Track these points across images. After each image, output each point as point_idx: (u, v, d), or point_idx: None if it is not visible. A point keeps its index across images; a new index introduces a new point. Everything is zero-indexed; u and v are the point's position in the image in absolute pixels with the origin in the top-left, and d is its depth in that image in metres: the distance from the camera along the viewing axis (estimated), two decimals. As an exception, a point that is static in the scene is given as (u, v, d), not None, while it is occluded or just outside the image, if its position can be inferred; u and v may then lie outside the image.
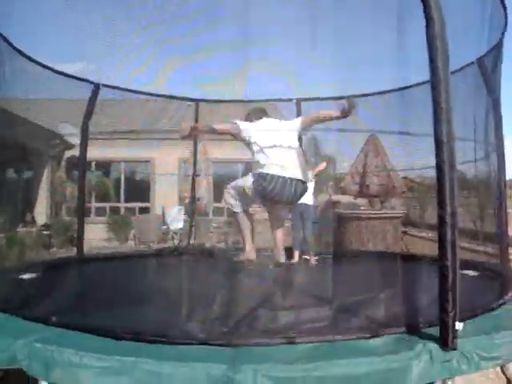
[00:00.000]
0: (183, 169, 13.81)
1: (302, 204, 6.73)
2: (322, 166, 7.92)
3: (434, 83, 2.94)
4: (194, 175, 9.05)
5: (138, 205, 15.81)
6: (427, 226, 11.96)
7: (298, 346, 2.94)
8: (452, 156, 2.92)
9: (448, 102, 2.91)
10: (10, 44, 5.16)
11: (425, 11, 2.92)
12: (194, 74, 6.15)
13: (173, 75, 6.49)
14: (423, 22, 2.99)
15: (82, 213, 7.09)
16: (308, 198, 7.07)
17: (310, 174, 6.80)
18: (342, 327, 3.27)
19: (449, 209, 2.88)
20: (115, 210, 15.46)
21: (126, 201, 15.86)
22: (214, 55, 5.53)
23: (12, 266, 5.78)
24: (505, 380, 4.39)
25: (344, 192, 12.22)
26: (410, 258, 4.95)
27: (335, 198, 13.23)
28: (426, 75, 3.13)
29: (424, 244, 10.22)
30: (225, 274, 3.55)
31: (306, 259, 7.20)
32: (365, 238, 9.98)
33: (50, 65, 6.44)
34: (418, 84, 5.66)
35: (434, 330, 2.99)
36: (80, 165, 7.06)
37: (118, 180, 16.10)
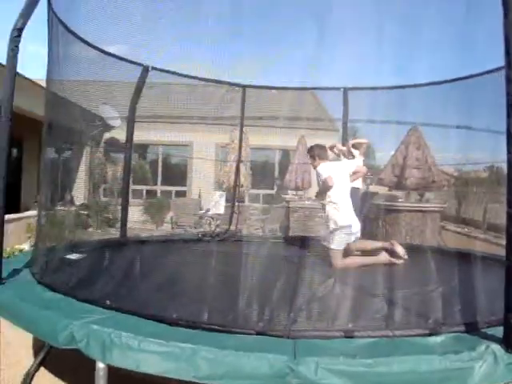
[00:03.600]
0: (221, 154, 13.76)
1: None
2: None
3: (510, 75, 2.81)
4: (239, 161, 8.97)
5: (174, 188, 15.92)
6: (463, 221, 11.71)
7: (356, 340, 2.90)
8: (523, 152, 2.80)
9: (523, 96, 2.79)
10: (65, 26, 5.10)
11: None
12: (241, 59, 6.10)
13: (220, 60, 6.40)
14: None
15: (126, 195, 7.10)
16: (357, 182, 6.81)
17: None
18: (400, 323, 3.22)
19: (517, 207, 2.77)
20: (152, 193, 15.57)
21: (163, 184, 15.97)
22: (266, 42, 5.46)
23: (56, 245, 5.80)
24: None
25: (381, 183, 12.00)
26: (467, 255, 4.77)
27: (373, 188, 13.02)
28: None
29: (460, 239, 10.00)
30: (281, 262, 3.48)
31: None
32: (403, 231, 9.78)
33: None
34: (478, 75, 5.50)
35: (495, 331, 2.91)
36: (127, 147, 7.05)
37: (155, 163, 16.18)
